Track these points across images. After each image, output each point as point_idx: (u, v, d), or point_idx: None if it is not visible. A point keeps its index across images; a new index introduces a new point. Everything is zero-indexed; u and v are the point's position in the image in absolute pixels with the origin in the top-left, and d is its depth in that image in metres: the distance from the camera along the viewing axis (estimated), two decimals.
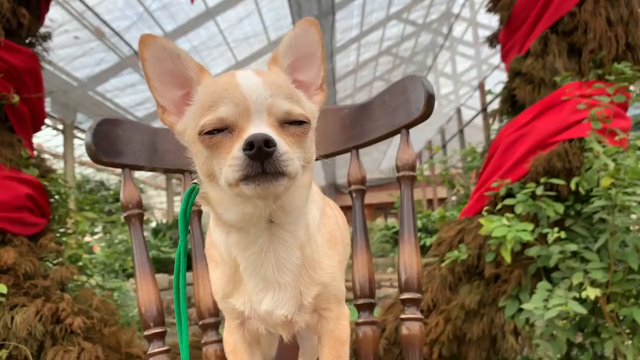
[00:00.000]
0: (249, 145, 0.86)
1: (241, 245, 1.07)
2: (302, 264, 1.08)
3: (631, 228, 2.64)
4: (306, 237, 1.08)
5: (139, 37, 1.02)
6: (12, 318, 2.68)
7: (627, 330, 2.63)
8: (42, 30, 3.42)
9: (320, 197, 1.18)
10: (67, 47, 8.61)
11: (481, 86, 10.01)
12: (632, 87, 2.91)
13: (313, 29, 1.06)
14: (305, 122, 0.97)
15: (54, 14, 5.53)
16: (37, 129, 3.48)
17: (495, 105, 3.63)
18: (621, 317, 2.60)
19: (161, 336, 1.50)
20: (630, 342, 2.57)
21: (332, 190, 23.56)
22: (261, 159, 0.87)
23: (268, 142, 0.86)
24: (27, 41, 3.31)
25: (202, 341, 1.55)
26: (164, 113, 1.08)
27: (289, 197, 1.00)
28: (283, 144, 0.90)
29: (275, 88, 0.96)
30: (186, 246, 1.11)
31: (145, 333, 1.49)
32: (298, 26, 1.06)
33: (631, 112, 3.12)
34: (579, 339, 2.88)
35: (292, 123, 0.96)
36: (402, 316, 1.43)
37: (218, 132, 0.94)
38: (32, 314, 2.69)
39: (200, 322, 1.55)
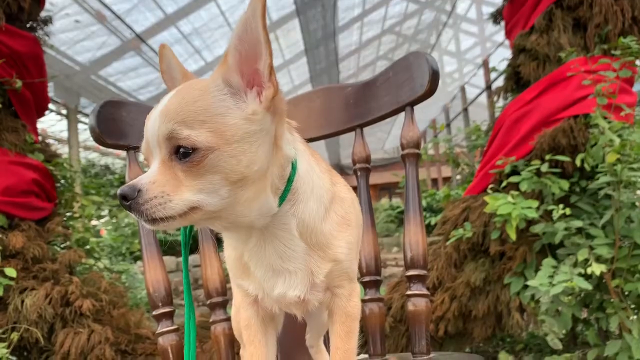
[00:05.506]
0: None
1: (238, 239, 1.07)
2: (309, 249, 1.06)
3: (636, 204, 2.64)
4: (303, 231, 1.05)
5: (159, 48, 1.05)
6: (23, 301, 2.73)
7: (632, 306, 2.64)
8: (43, 14, 3.41)
9: (324, 191, 1.11)
10: (69, 31, 8.55)
11: (485, 64, 9.91)
12: (638, 62, 2.88)
13: (259, 6, 0.87)
14: (199, 149, 0.86)
15: None
16: (41, 114, 3.49)
17: (499, 82, 3.61)
18: (626, 293, 2.61)
19: (170, 315, 1.51)
20: (635, 317, 2.58)
21: (337, 171, 23.49)
22: (129, 210, 0.88)
23: (125, 197, 0.86)
24: (28, 25, 3.30)
25: (211, 320, 1.56)
26: None
27: (232, 214, 0.94)
28: (152, 189, 0.87)
29: (166, 115, 0.88)
30: (188, 240, 1.11)
31: (154, 313, 1.51)
32: (249, 5, 0.88)
33: (637, 87, 3.09)
34: (584, 314, 2.90)
35: (181, 152, 0.87)
36: (408, 292, 1.44)
37: None
38: (41, 297, 2.73)
39: (208, 302, 1.56)
